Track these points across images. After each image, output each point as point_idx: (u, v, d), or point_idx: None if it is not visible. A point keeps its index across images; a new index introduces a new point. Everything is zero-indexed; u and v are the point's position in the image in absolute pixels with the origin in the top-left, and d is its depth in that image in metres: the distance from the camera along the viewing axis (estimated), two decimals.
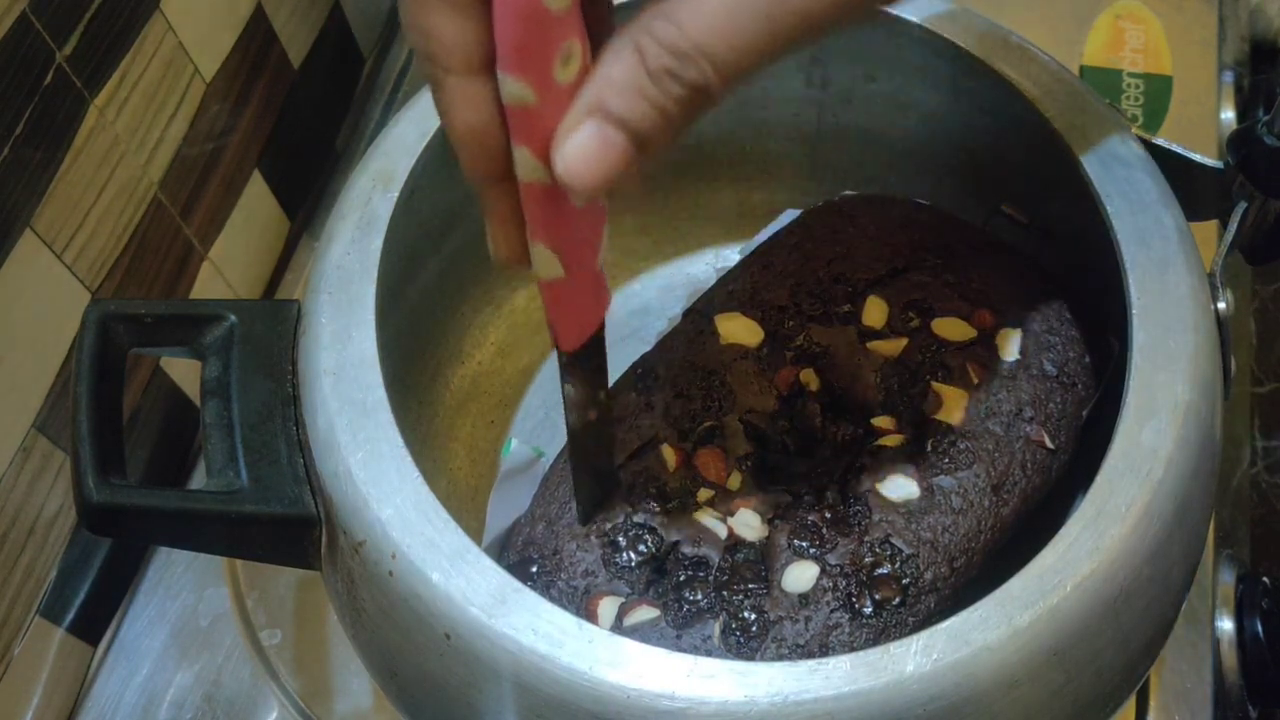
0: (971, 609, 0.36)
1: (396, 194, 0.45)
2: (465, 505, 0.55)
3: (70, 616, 0.55)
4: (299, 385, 0.42)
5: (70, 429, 0.40)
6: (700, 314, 0.51)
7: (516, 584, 0.37)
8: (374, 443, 0.40)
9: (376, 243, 0.44)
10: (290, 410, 0.42)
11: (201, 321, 0.44)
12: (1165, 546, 0.38)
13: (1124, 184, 0.44)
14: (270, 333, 0.43)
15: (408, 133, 0.47)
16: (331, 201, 0.47)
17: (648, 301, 0.61)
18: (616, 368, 0.52)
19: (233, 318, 0.43)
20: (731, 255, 0.60)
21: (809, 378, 0.50)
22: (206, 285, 0.61)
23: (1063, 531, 0.37)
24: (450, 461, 0.56)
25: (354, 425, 0.40)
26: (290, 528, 0.41)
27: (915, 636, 0.35)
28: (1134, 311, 0.41)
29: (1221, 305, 0.44)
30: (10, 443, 0.49)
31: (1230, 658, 0.52)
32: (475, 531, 0.43)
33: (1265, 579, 0.54)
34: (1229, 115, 0.70)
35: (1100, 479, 0.38)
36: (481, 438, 0.57)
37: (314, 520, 0.41)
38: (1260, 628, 0.52)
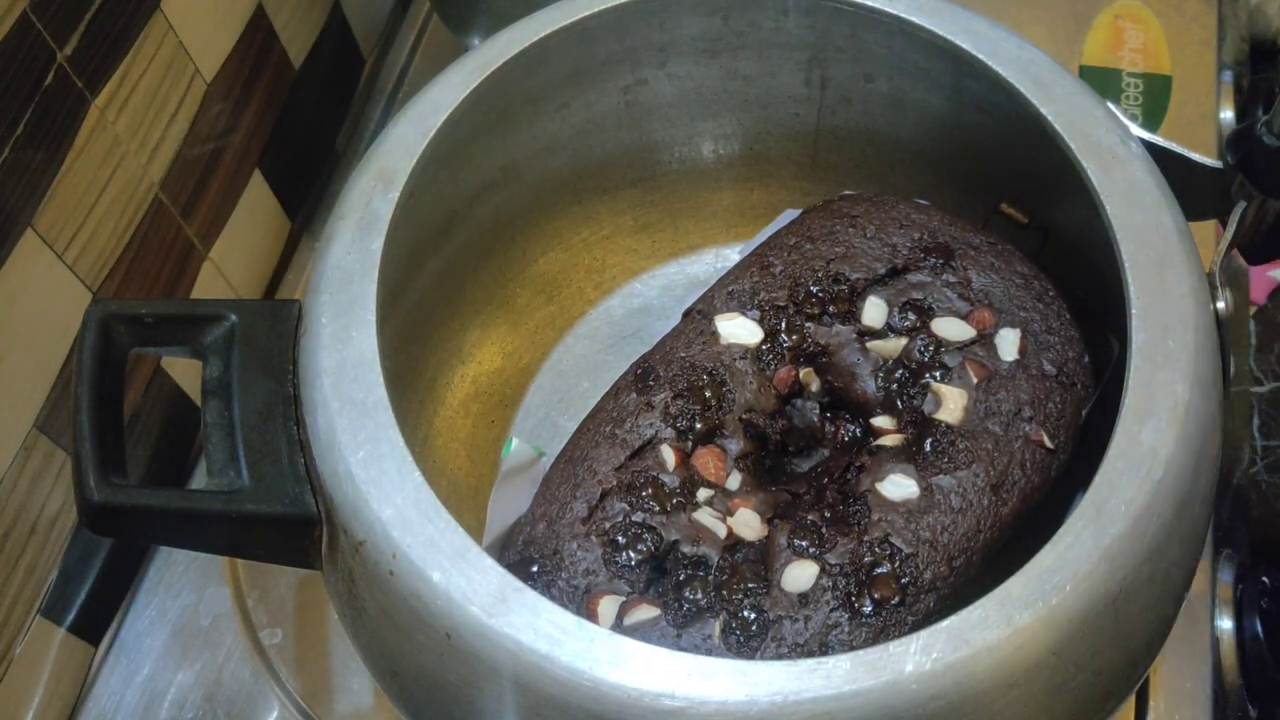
0: (971, 608, 0.36)
1: (396, 194, 0.45)
2: (465, 505, 0.55)
3: (71, 616, 0.55)
4: (299, 385, 0.42)
5: (71, 429, 0.40)
6: (700, 314, 0.51)
7: (517, 583, 0.37)
8: (374, 443, 0.40)
9: (377, 243, 0.44)
10: (291, 410, 0.42)
11: (202, 321, 0.44)
12: (1165, 546, 0.38)
13: (1124, 184, 0.44)
14: (271, 333, 0.43)
15: (408, 133, 0.47)
16: (331, 201, 0.47)
17: (648, 301, 0.61)
18: (616, 368, 0.53)
19: (233, 318, 0.43)
20: (731, 255, 0.60)
21: (809, 377, 0.50)
22: (207, 285, 0.61)
23: (1062, 531, 0.37)
24: (450, 461, 0.56)
25: (354, 425, 0.40)
26: (291, 527, 0.41)
27: (915, 636, 0.35)
28: (1134, 311, 0.41)
29: (1221, 305, 0.44)
30: (12, 442, 0.49)
31: (1230, 657, 0.52)
32: (475, 531, 0.43)
33: (1265, 579, 0.54)
34: (1228, 115, 0.69)
35: (1100, 478, 0.38)
36: (481, 438, 0.57)
37: (315, 520, 0.41)
38: (1260, 627, 0.52)
